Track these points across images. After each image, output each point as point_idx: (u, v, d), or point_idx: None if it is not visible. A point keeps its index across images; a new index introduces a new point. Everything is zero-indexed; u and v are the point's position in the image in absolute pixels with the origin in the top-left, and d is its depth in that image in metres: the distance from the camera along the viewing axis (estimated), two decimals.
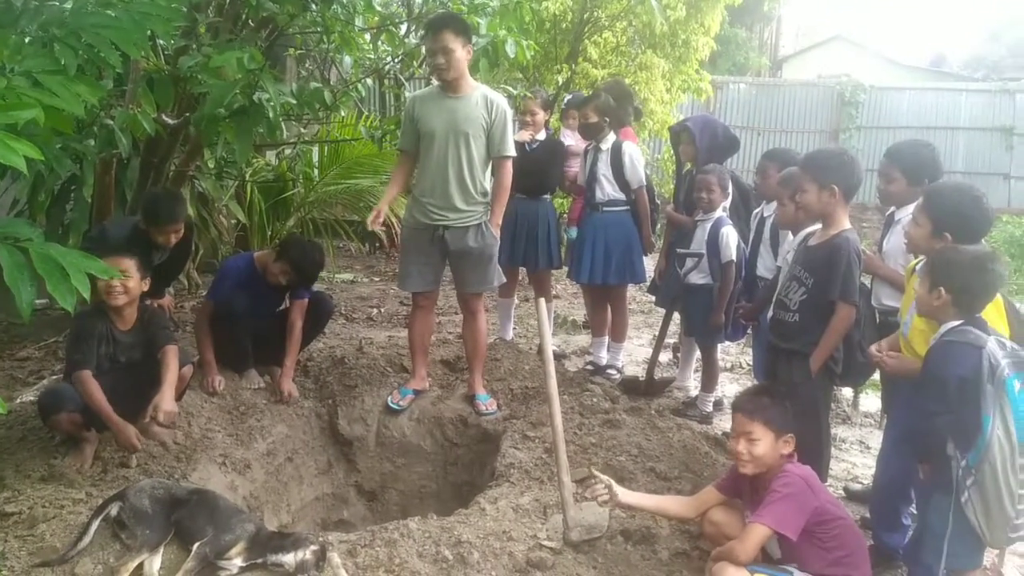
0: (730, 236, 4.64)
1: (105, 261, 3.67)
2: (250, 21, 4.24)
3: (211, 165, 6.25)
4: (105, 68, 3.16)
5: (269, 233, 7.55)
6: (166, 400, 3.73)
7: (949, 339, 2.81)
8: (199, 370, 4.51)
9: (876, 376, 3.90)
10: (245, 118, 3.46)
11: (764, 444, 2.98)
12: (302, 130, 7.34)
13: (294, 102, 3.83)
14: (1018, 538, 2.86)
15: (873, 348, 3.30)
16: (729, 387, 5.58)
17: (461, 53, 4.28)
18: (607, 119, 5.25)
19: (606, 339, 5.62)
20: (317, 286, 7.79)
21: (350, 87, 5.77)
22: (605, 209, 5.30)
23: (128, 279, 3.86)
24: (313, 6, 3.77)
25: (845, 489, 4.15)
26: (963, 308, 2.83)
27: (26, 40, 2.46)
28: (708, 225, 4.73)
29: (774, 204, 4.20)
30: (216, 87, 3.38)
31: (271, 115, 3.46)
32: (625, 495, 3.24)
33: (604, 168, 5.25)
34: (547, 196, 5.73)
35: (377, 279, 8.86)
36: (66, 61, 2.43)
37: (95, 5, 2.63)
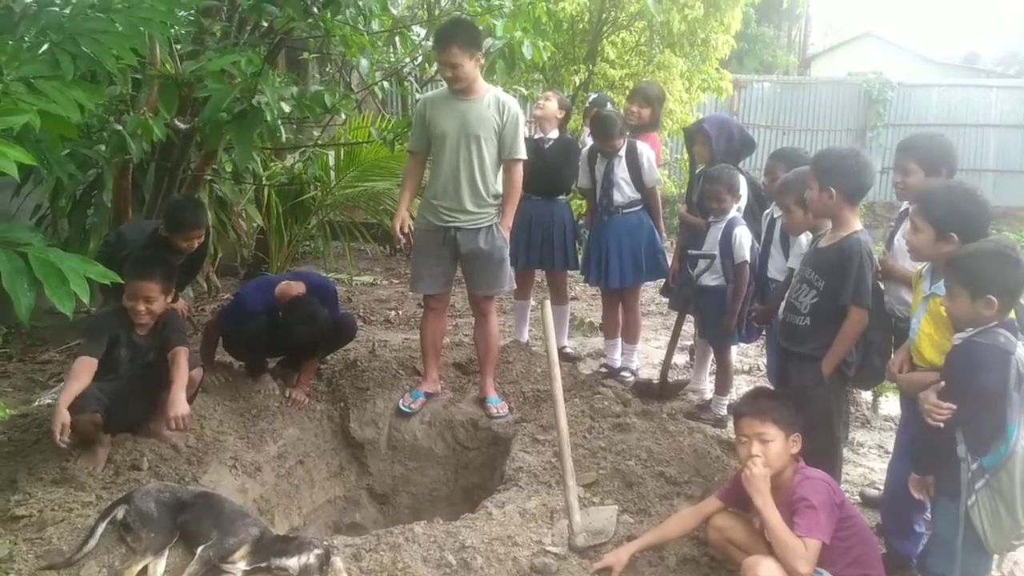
0: (743, 237, 4.57)
1: (130, 287, 3.77)
2: (260, 25, 4.25)
3: (228, 169, 6.29)
4: (115, 73, 3.20)
5: (287, 237, 7.60)
6: (177, 405, 3.74)
7: (977, 339, 2.69)
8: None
9: None
10: (245, 121, 3.47)
11: (777, 444, 2.94)
12: (315, 133, 7.37)
13: (293, 104, 3.82)
14: (1020, 544, 2.79)
15: (893, 365, 3.20)
16: (746, 389, 5.49)
17: (469, 65, 4.25)
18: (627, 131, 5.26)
19: (619, 341, 5.57)
20: (337, 290, 7.84)
21: (367, 89, 5.78)
22: (625, 211, 5.26)
23: (153, 302, 3.93)
24: (315, 10, 3.77)
25: (861, 494, 4.07)
26: (1007, 308, 2.71)
27: (24, 46, 2.48)
28: (721, 226, 4.67)
29: None
30: (216, 91, 3.39)
31: (269, 118, 3.46)
32: (626, 551, 3.16)
33: (622, 171, 5.22)
34: (562, 197, 5.70)
35: (397, 281, 8.87)
36: (63, 66, 2.45)
37: (94, 10, 2.63)
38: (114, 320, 3.97)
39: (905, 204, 3.68)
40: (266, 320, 4.61)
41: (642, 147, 5.25)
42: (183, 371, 3.89)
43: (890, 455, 4.50)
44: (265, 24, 4.62)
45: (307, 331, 4.57)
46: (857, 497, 4.05)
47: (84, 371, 3.76)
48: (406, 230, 4.59)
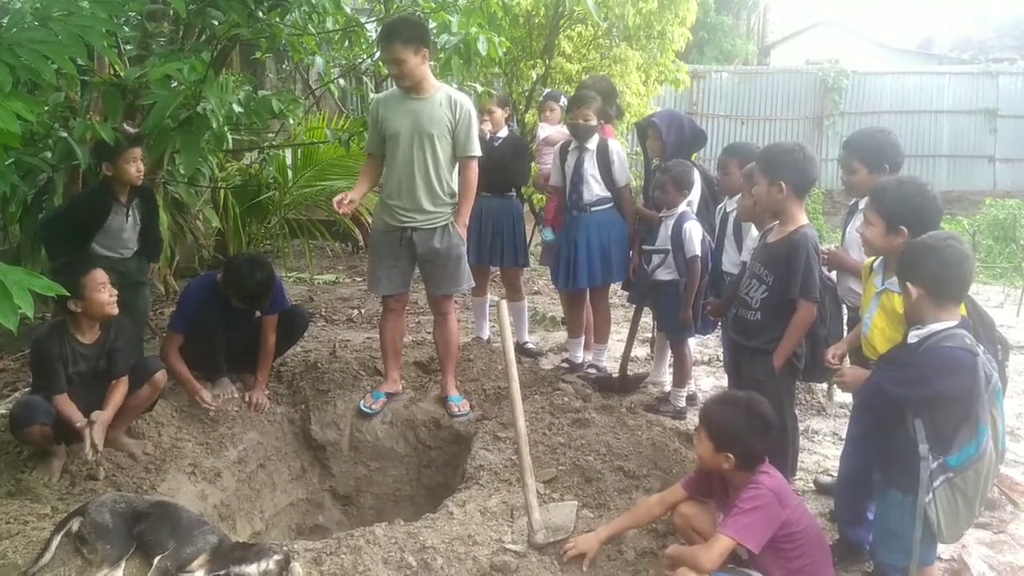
0: (693, 231, 4.60)
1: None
2: (206, 29, 4.20)
3: (182, 171, 6.21)
4: (55, 83, 3.15)
5: (246, 237, 7.52)
6: (95, 433, 3.70)
7: (944, 344, 2.65)
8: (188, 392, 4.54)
9: None
10: (190, 129, 3.44)
11: (703, 449, 3.00)
12: (271, 135, 7.30)
13: (242, 108, 3.78)
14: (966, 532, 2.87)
15: (830, 353, 3.23)
16: (706, 380, 5.57)
17: (414, 61, 4.23)
18: (601, 120, 5.18)
19: (582, 339, 5.58)
20: (298, 290, 7.78)
21: (324, 86, 5.73)
22: (593, 209, 5.15)
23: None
24: (260, 14, 3.73)
25: (815, 482, 4.12)
26: (940, 301, 2.69)
27: None
28: (672, 221, 4.70)
29: (737, 198, 4.18)
30: (161, 98, 3.35)
31: (215, 125, 3.43)
32: (597, 538, 3.21)
33: (591, 168, 5.10)
34: (512, 193, 5.70)
35: (359, 279, 8.81)
36: (1, 78, 2.41)
37: (32, 20, 2.60)
38: (54, 345, 3.88)
39: (855, 199, 3.76)
40: (216, 304, 4.61)
41: (613, 144, 5.19)
42: (114, 403, 3.88)
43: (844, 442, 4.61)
44: (209, 32, 4.57)
45: (257, 275, 4.51)
46: (811, 485, 4.12)
47: (69, 409, 3.77)
48: (346, 207, 4.39)
